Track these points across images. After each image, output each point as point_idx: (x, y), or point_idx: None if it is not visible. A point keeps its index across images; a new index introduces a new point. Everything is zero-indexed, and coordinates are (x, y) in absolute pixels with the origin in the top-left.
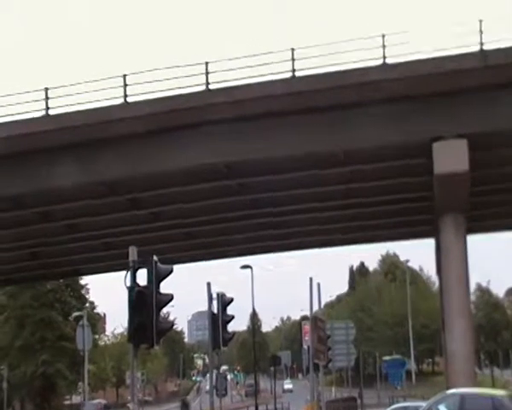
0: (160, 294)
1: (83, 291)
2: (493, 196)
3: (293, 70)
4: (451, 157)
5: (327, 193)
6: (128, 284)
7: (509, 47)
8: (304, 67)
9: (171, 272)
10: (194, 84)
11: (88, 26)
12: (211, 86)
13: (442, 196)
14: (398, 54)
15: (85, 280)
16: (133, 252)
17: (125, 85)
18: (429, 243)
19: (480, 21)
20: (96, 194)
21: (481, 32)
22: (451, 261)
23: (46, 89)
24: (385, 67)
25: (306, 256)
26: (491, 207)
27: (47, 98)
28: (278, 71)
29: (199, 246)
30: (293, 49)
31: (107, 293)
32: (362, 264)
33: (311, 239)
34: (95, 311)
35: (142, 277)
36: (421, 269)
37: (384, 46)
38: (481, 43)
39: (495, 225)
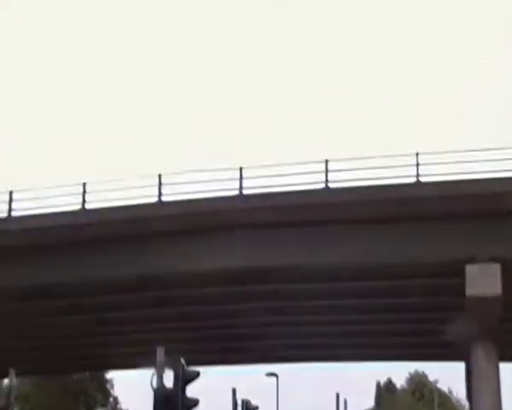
0: (187, 397)
1: (108, 385)
2: None
3: (327, 181)
4: (484, 280)
5: (357, 306)
6: (154, 384)
7: None
8: (337, 179)
9: (198, 375)
10: (228, 189)
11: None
12: (244, 191)
13: (473, 319)
14: (432, 173)
15: (111, 374)
16: (161, 353)
17: (160, 185)
18: (460, 366)
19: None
20: (126, 289)
21: None
22: (483, 389)
23: (84, 183)
24: (420, 185)
25: (334, 367)
26: None
27: (84, 192)
28: (312, 181)
29: (225, 349)
30: (327, 161)
31: (132, 389)
32: (389, 380)
33: (337, 352)
34: (118, 406)
35: (168, 377)
36: (450, 391)
37: (418, 164)
38: None
39: None
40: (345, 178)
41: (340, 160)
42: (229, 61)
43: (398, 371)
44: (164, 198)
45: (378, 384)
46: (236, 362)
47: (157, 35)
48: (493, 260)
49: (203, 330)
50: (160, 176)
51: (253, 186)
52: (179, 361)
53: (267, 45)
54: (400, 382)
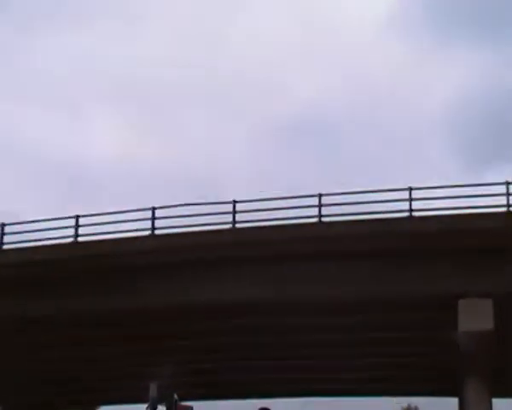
0: None
1: None
2: None
3: (320, 215)
4: (476, 316)
5: (347, 340)
6: None
7: None
8: (330, 213)
9: None
10: (220, 222)
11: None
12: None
13: (465, 355)
14: (425, 208)
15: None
16: (153, 389)
17: (154, 219)
18: (453, 401)
19: (507, 183)
20: (121, 323)
21: (508, 194)
22: None
23: (77, 216)
24: (412, 220)
25: (322, 402)
26: None
27: (77, 226)
28: (305, 215)
29: (220, 384)
30: (320, 195)
31: None
32: None
33: (325, 387)
34: None
35: None
36: None
37: (411, 199)
38: (508, 205)
39: None
40: (338, 212)
41: (334, 194)
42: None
43: (390, 407)
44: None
45: None
46: (227, 397)
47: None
48: (485, 295)
49: (196, 364)
50: (153, 209)
51: (245, 220)
52: (172, 396)
53: None
54: None
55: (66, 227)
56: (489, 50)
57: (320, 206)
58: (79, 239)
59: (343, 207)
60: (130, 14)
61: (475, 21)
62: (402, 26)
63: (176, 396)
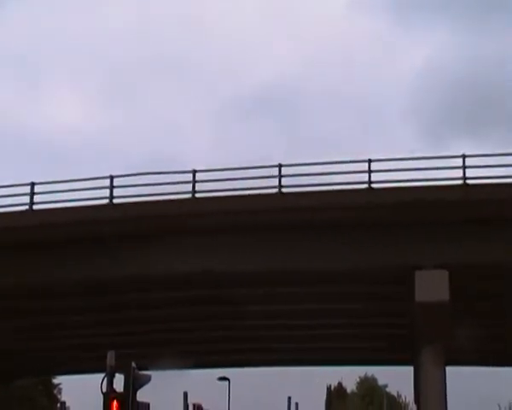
0: (137, 402)
1: (55, 391)
2: (473, 330)
3: (280, 186)
4: (432, 287)
5: (307, 311)
6: (104, 389)
7: (490, 183)
8: (290, 184)
9: (149, 379)
10: (181, 192)
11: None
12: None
13: (421, 325)
14: (384, 180)
15: (59, 380)
16: (111, 357)
17: (112, 187)
18: (409, 370)
19: (464, 156)
20: (75, 293)
21: (464, 167)
22: (430, 392)
23: (32, 183)
24: (370, 191)
25: (285, 371)
26: (471, 340)
27: (32, 194)
28: (265, 185)
29: (177, 354)
30: (280, 165)
31: (82, 394)
32: (340, 384)
33: (287, 357)
34: None
35: (120, 382)
36: (399, 395)
37: (370, 171)
38: (464, 178)
39: (474, 358)
40: (299, 183)
41: (294, 165)
42: None
43: (349, 376)
44: (115, 200)
45: (329, 388)
46: (187, 367)
47: None
48: (441, 266)
49: (154, 334)
50: (111, 177)
51: (205, 190)
52: (130, 365)
53: None
54: (351, 386)
55: (22, 194)
56: (456, 24)
57: (280, 177)
58: (35, 207)
59: (303, 178)
60: None
61: None
62: (367, 1)
63: (134, 365)
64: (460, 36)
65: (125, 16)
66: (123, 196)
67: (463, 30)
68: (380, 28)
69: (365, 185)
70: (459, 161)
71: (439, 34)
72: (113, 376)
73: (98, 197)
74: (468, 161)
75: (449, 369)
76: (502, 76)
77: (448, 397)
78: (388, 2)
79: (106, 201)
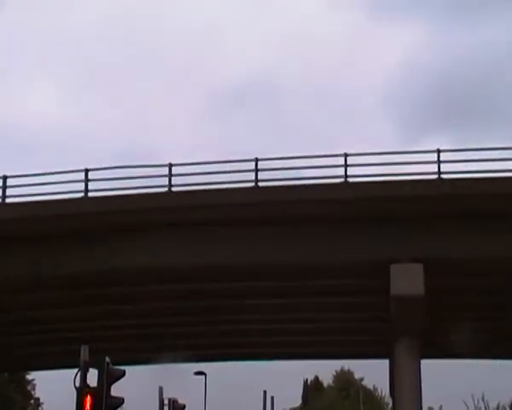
0: (111, 397)
1: (29, 387)
2: (448, 323)
3: (257, 180)
4: (407, 280)
5: (283, 305)
6: (77, 384)
7: (464, 178)
8: (266, 178)
9: (123, 374)
10: (158, 185)
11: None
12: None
13: (397, 318)
14: (360, 174)
15: (32, 375)
16: (85, 351)
17: (87, 180)
18: (385, 363)
19: (439, 151)
20: (50, 287)
21: (439, 161)
22: (404, 384)
23: (5, 177)
24: (346, 185)
25: (261, 365)
26: (446, 333)
27: (5, 187)
28: (241, 179)
29: (152, 349)
30: (257, 160)
31: (56, 390)
32: (316, 378)
33: (264, 351)
34: (40, 408)
35: (94, 377)
36: (375, 388)
37: (346, 165)
38: (439, 173)
39: (449, 352)
40: (274, 177)
41: (270, 159)
42: None
43: (325, 369)
44: (91, 194)
45: (305, 382)
46: (163, 361)
47: None
48: (416, 260)
49: (129, 328)
50: (86, 171)
51: (182, 184)
52: (104, 360)
53: None
54: (327, 380)
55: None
56: (432, 20)
57: (256, 170)
58: (7, 201)
59: (280, 172)
60: None
61: None
62: None
63: (108, 360)
64: (436, 33)
65: (99, 9)
66: (98, 189)
67: (439, 27)
68: (356, 25)
69: (341, 179)
70: (434, 156)
71: (415, 30)
72: (87, 371)
73: (73, 191)
74: (443, 156)
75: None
76: (476, 73)
77: (424, 389)
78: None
79: (81, 194)
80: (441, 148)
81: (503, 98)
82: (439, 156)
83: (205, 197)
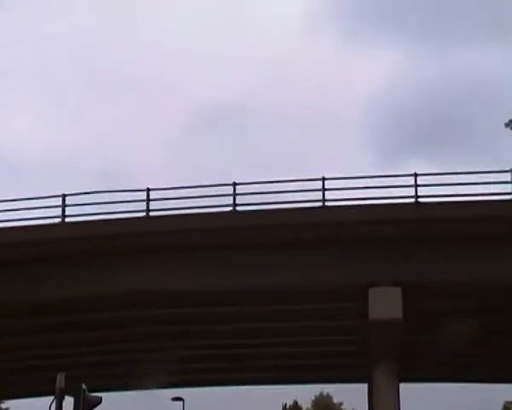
0: None
1: None
2: (426, 347)
3: (235, 204)
4: (386, 304)
5: (261, 330)
6: None
7: (441, 202)
8: (245, 203)
9: (99, 402)
10: (135, 210)
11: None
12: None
13: (375, 342)
14: (339, 198)
15: (6, 404)
16: (61, 379)
17: (64, 206)
18: (364, 387)
19: (415, 175)
20: (26, 313)
21: (416, 185)
22: (383, 408)
23: None
24: (325, 209)
25: (240, 390)
26: (424, 357)
27: None
28: (220, 204)
29: (129, 375)
30: (235, 184)
31: None
32: (295, 403)
33: (242, 376)
34: None
35: (70, 405)
36: None
37: (324, 189)
38: (416, 196)
39: (427, 375)
40: (252, 201)
41: (248, 183)
42: None
43: (304, 394)
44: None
45: (284, 407)
46: (140, 387)
47: None
48: (394, 284)
49: (104, 355)
50: (64, 196)
51: (159, 208)
52: (80, 387)
53: None
54: (306, 404)
55: None
56: (411, 46)
57: (234, 195)
58: None
59: (258, 196)
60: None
61: (399, 16)
62: (326, 19)
63: (84, 387)
64: (415, 57)
65: (74, 35)
66: (75, 214)
67: (418, 51)
68: (334, 48)
69: (320, 203)
70: (411, 180)
71: (395, 55)
72: (63, 398)
73: (50, 216)
74: (420, 180)
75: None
76: (453, 98)
77: None
78: (342, 24)
79: (58, 219)
80: (418, 172)
81: (481, 122)
82: (416, 180)
83: (183, 222)
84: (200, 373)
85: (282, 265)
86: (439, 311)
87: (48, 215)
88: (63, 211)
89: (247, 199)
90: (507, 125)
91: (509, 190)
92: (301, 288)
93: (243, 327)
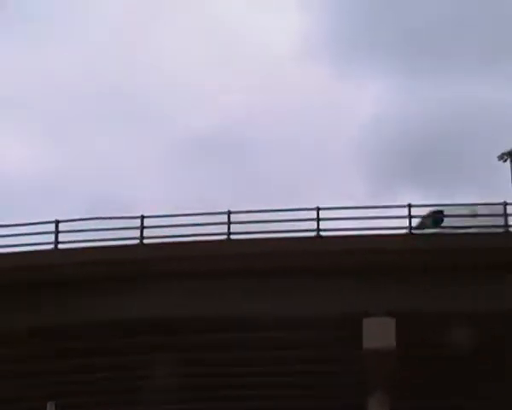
0: None
1: None
2: (419, 378)
3: (229, 233)
4: (379, 334)
5: (253, 359)
6: None
7: (434, 233)
8: (239, 231)
9: None
10: (129, 237)
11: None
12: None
13: (369, 372)
14: (333, 228)
15: None
16: (51, 408)
17: (57, 232)
18: None
19: (409, 206)
20: (17, 340)
21: (410, 216)
22: None
23: None
24: (319, 238)
25: None
26: (416, 387)
27: None
28: (214, 232)
29: (124, 403)
30: (229, 212)
31: None
32: None
33: (231, 406)
34: None
35: None
36: None
37: (319, 219)
38: (410, 228)
39: (419, 406)
40: (247, 229)
41: (243, 212)
42: None
43: None
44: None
45: None
46: None
47: None
48: (389, 314)
49: (96, 383)
50: (57, 222)
51: (154, 236)
52: None
53: None
54: None
55: None
56: (405, 75)
57: (229, 223)
58: None
59: (252, 224)
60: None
61: (390, 44)
62: (318, 48)
63: None
64: (407, 87)
65: (71, 57)
66: (68, 241)
67: (410, 80)
68: (327, 77)
69: (314, 233)
70: (405, 211)
71: (387, 84)
72: None
73: (43, 242)
74: (414, 211)
75: None
76: (446, 127)
77: None
78: (335, 52)
79: (51, 246)
80: (412, 203)
81: (473, 154)
82: (409, 211)
83: (177, 250)
84: (198, 402)
85: (275, 293)
86: (433, 341)
87: (41, 241)
88: (56, 237)
89: (242, 227)
90: (500, 158)
91: None
92: (294, 316)
93: (233, 356)
